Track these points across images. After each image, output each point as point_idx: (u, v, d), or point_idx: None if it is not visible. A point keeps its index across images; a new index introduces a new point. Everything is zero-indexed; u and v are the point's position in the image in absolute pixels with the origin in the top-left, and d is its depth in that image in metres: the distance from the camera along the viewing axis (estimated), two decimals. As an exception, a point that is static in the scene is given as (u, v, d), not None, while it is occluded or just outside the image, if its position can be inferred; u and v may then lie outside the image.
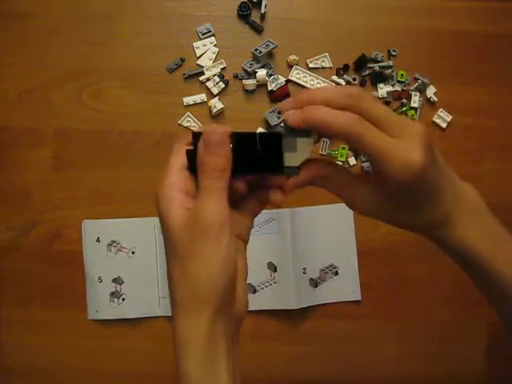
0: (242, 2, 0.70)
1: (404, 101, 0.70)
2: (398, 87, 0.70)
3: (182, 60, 0.70)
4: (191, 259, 0.30)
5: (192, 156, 0.32)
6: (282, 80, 0.69)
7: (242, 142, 0.31)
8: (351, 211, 0.66)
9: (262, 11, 0.70)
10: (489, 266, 0.34)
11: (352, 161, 0.69)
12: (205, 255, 0.29)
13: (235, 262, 0.31)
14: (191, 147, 0.32)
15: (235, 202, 0.34)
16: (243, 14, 0.70)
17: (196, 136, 0.31)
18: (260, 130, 0.69)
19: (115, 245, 0.67)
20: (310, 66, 0.71)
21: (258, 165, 0.32)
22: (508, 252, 0.35)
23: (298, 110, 0.31)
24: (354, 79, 0.70)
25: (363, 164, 0.69)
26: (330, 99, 0.30)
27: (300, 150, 0.32)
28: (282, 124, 0.69)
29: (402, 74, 0.70)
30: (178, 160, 0.32)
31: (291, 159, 0.32)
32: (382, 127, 0.30)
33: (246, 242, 0.35)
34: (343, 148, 0.68)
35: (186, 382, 0.30)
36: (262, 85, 0.69)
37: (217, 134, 0.30)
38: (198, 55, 0.70)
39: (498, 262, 0.34)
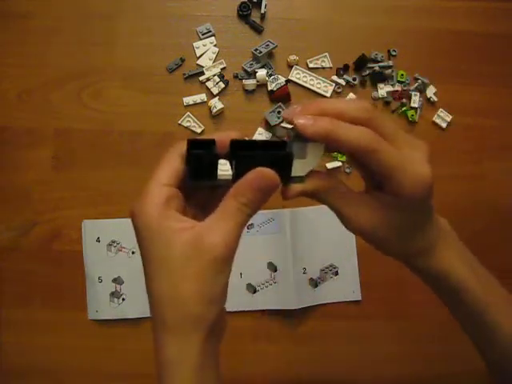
0: (242, 2, 0.70)
1: (404, 101, 0.70)
2: (397, 87, 0.70)
3: (182, 60, 0.70)
4: (191, 280, 0.28)
5: (196, 164, 0.29)
6: (281, 80, 0.69)
7: (243, 149, 0.29)
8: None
9: (262, 11, 0.70)
10: (471, 293, 0.34)
11: (352, 161, 0.69)
12: (208, 279, 0.28)
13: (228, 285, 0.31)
14: (189, 153, 0.29)
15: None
16: (243, 14, 0.70)
17: (197, 144, 0.29)
18: (260, 132, 0.69)
19: (115, 245, 0.67)
20: (310, 66, 0.71)
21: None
22: (484, 279, 0.36)
23: (312, 118, 0.29)
24: (354, 79, 0.70)
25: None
26: (344, 112, 0.29)
27: (310, 157, 0.30)
28: (282, 124, 0.69)
29: (402, 74, 0.70)
30: (168, 174, 0.30)
31: (299, 167, 0.30)
32: (391, 143, 0.30)
33: None
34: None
35: None
36: (262, 85, 0.69)
37: (274, 182, 0.29)
38: (198, 55, 0.70)
39: (477, 289, 0.34)
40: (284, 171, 0.30)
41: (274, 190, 0.29)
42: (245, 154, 0.29)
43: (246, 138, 0.31)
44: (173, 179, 0.30)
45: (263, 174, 0.29)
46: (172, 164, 0.31)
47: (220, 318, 0.30)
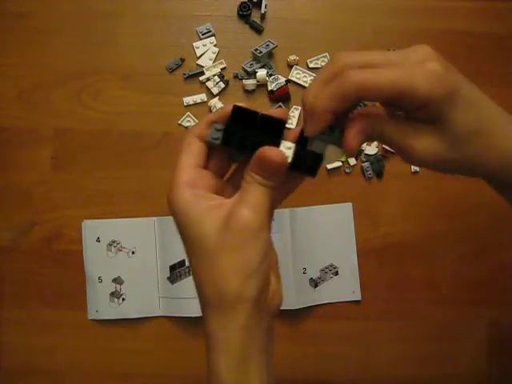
0: (242, 2, 0.70)
1: (404, 101, 0.70)
2: (397, 87, 0.70)
3: (182, 60, 0.70)
4: (225, 254, 0.29)
5: (231, 131, 0.30)
6: (281, 80, 0.69)
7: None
8: (351, 211, 0.67)
9: (262, 11, 0.70)
10: None
11: (352, 161, 0.69)
12: (242, 251, 0.28)
13: (271, 256, 0.30)
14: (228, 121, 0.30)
15: None
16: (243, 14, 0.70)
17: (238, 111, 0.30)
18: None
19: (115, 245, 0.67)
20: (310, 66, 0.71)
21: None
22: None
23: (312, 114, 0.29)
24: (354, 79, 0.70)
25: (363, 164, 0.69)
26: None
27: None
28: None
29: (402, 74, 0.70)
30: (190, 157, 0.31)
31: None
32: (386, 67, 0.30)
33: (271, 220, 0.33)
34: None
35: (216, 381, 0.29)
36: (262, 85, 0.69)
37: (275, 163, 0.29)
38: (198, 55, 0.70)
39: None
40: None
41: (279, 168, 0.29)
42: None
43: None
44: (197, 159, 0.31)
45: (264, 154, 0.29)
46: (193, 146, 0.31)
47: (264, 292, 0.30)
